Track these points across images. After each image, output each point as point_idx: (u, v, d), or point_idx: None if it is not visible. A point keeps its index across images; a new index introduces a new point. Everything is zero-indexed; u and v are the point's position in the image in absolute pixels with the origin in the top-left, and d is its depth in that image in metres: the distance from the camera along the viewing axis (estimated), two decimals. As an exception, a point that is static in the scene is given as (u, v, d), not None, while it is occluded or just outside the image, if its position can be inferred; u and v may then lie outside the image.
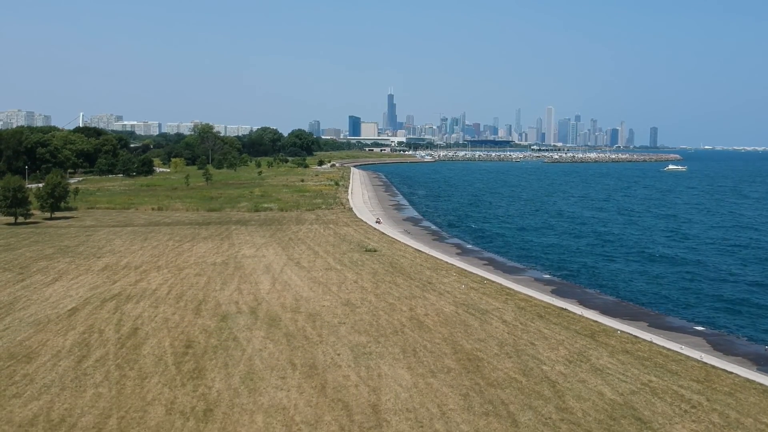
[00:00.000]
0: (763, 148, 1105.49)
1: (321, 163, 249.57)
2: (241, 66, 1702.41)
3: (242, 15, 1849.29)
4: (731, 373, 28.35)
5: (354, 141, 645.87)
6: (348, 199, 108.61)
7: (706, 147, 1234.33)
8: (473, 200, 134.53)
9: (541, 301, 41.72)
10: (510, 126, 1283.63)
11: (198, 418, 22.73)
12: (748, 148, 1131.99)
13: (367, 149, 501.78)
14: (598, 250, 70.69)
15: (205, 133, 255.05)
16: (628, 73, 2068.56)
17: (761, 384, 27.03)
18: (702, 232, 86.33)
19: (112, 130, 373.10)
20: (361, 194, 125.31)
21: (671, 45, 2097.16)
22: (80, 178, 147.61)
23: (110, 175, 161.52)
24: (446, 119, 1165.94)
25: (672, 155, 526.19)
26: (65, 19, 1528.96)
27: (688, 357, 30.64)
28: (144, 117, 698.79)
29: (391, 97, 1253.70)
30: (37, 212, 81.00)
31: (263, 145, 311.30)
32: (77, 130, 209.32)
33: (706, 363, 29.63)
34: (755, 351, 34.85)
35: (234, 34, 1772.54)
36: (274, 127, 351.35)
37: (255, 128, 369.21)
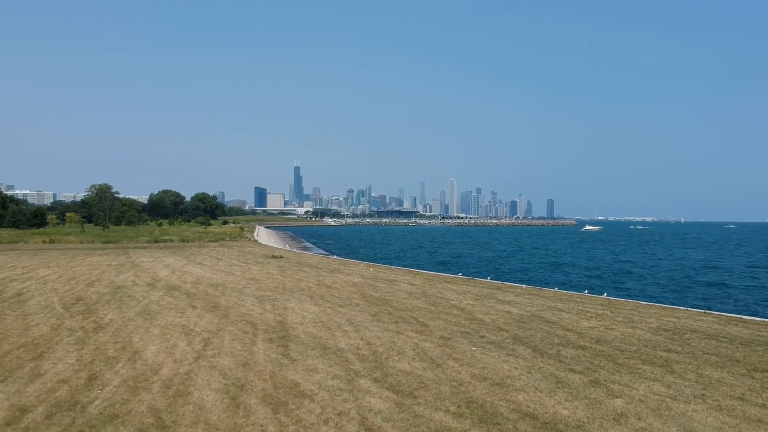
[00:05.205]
0: (652, 218, 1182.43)
1: (225, 223, 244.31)
2: (143, 138, 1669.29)
3: (147, 100, 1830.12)
4: (632, 301, 29.18)
5: (260, 211, 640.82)
6: (254, 236, 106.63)
7: (600, 218, 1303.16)
8: (384, 242, 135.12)
9: (448, 275, 41.87)
10: (415, 198, 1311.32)
11: (87, 331, 21.00)
12: (638, 219, 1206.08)
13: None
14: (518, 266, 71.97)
15: (103, 192, 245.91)
16: (527, 147, 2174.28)
17: (658, 305, 27.98)
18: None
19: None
20: (267, 238, 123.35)
21: (565, 122, 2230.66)
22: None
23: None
24: (352, 191, 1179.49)
25: (567, 221, 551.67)
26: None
27: (591, 296, 31.38)
28: (39, 187, 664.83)
29: (297, 169, 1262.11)
30: None
31: (164, 208, 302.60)
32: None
33: (609, 298, 30.41)
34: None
35: (140, 114, 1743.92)
36: (177, 191, 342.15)
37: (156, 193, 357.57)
